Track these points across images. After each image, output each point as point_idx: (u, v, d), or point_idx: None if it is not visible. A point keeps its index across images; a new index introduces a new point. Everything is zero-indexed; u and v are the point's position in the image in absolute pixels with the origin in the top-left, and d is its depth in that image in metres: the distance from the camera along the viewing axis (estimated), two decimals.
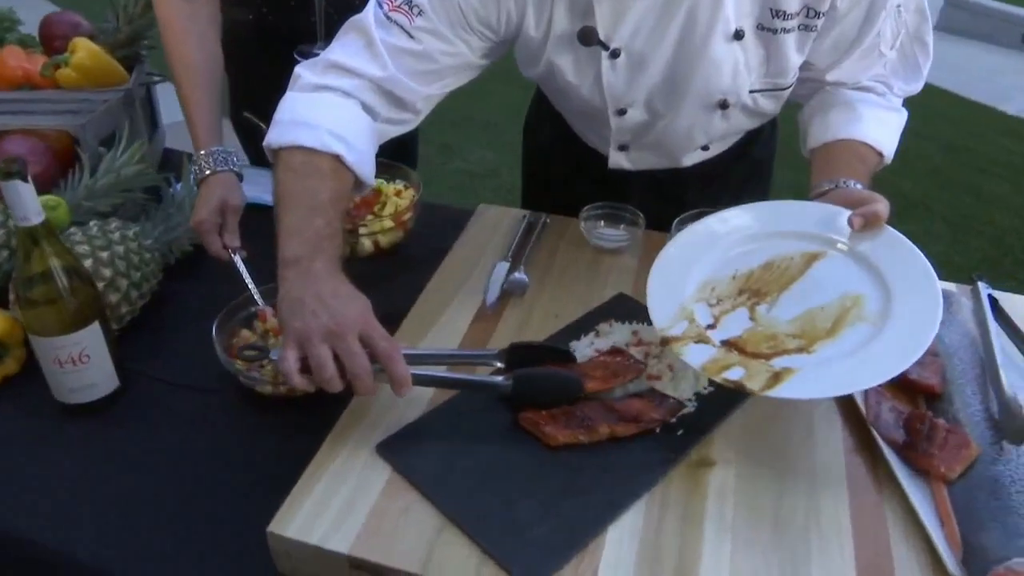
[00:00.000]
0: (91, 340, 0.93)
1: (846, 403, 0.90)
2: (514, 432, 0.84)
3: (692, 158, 1.21)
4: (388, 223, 1.21)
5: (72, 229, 1.06)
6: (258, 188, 1.22)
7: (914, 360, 0.79)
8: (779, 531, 0.76)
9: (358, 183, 0.97)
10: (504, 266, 1.10)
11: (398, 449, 0.82)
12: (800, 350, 0.83)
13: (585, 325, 0.99)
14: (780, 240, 0.94)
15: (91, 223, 1.07)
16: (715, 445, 0.84)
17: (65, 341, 0.91)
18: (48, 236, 0.88)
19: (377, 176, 1.29)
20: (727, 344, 0.85)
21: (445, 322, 1.01)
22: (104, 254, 1.04)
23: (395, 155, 1.33)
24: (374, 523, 0.75)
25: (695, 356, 0.84)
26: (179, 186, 1.24)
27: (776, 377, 0.80)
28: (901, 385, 0.91)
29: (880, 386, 0.90)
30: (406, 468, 0.80)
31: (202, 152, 1.11)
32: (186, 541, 0.82)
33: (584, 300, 1.05)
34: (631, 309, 1.01)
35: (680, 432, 0.85)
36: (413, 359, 0.84)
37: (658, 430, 0.84)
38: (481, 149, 3.43)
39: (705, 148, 1.19)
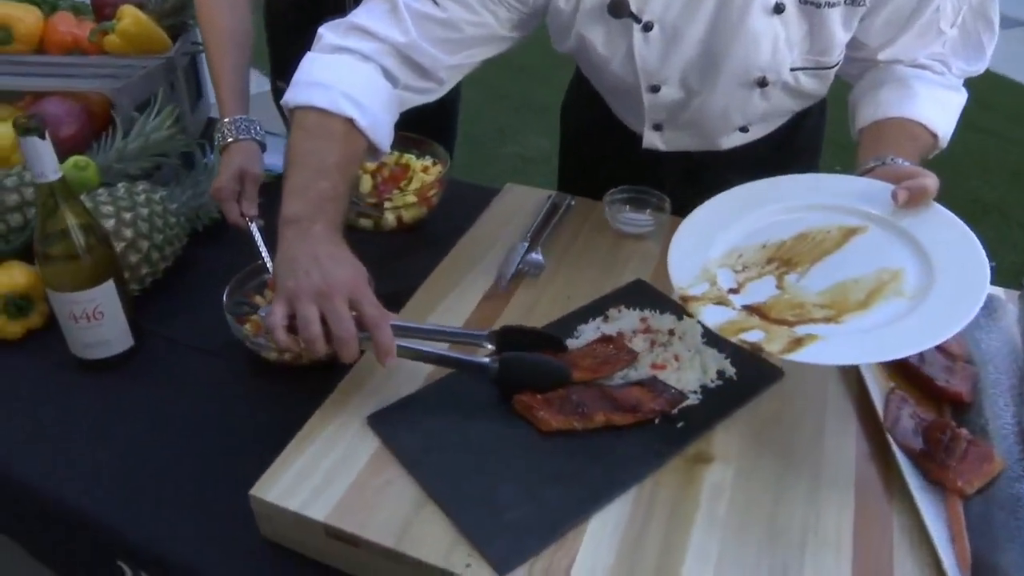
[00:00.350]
0: (105, 298, 0.94)
1: (863, 406, 0.85)
2: (507, 415, 0.82)
3: (730, 141, 1.15)
4: (411, 198, 1.20)
5: (100, 190, 1.08)
6: (273, 158, 1.23)
7: (952, 334, 0.72)
8: (773, 535, 0.72)
9: (372, 149, 0.96)
10: (522, 246, 1.08)
11: (388, 422, 0.81)
12: (828, 320, 0.78)
13: (596, 309, 0.96)
14: (818, 212, 0.89)
15: (119, 185, 1.10)
16: (716, 441, 0.81)
17: (80, 297, 0.93)
18: (66, 193, 0.90)
19: (407, 151, 1.29)
20: (749, 309, 0.80)
21: (454, 298, 1.00)
22: (127, 215, 1.05)
23: (433, 132, 1.31)
24: (355, 494, 0.74)
25: (712, 316, 0.79)
26: (212, 154, 1.26)
27: (798, 342, 0.75)
28: (927, 391, 0.86)
29: (903, 390, 0.85)
30: (393, 441, 0.79)
31: (226, 120, 1.12)
32: (182, 497, 0.83)
33: (600, 285, 1.02)
34: (646, 296, 0.98)
35: (680, 424, 0.81)
36: (403, 331, 0.82)
37: (657, 421, 0.81)
38: (537, 135, 3.40)
39: (744, 130, 1.13)
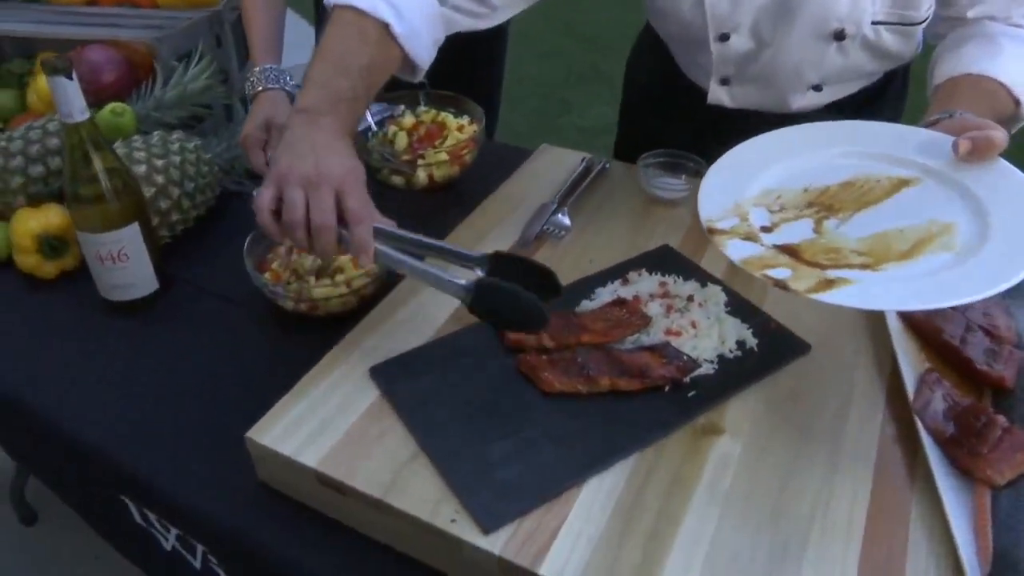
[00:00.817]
0: (130, 240, 0.96)
1: (894, 387, 0.79)
2: (511, 375, 0.79)
3: (801, 100, 1.08)
4: (443, 156, 1.18)
5: (135, 137, 1.10)
6: None
7: (999, 290, 0.66)
8: (777, 514, 0.68)
9: (409, 64, 0.92)
10: (549, 206, 1.05)
11: (389, 373, 0.80)
12: (864, 267, 0.72)
13: (616, 272, 0.92)
14: (869, 160, 0.83)
15: (154, 133, 1.11)
16: (728, 413, 0.77)
17: (105, 238, 0.94)
18: (94, 136, 0.91)
19: (445, 110, 1.27)
20: (779, 248, 0.75)
21: None
22: (159, 162, 1.07)
23: (476, 93, 1.29)
24: (348, 443, 0.74)
25: (737, 250, 0.74)
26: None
27: (828, 284, 0.70)
28: (967, 374, 0.80)
29: (941, 372, 0.79)
30: (392, 392, 0.78)
31: (256, 68, 1.12)
32: (190, 439, 0.84)
33: (625, 250, 0.98)
34: (670, 262, 0.94)
35: (691, 394, 0.77)
36: (388, 237, 0.80)
37: (667, 389, 0.77)
38: (600, 105, 3.33)
39: (817, 89, 1.06)
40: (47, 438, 0.91)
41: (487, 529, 0.65)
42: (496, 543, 0.65)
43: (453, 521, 0.66)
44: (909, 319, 0.86)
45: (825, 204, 0.80)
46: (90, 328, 1.00)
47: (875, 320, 0.88)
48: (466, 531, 0.66)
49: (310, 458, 0.72)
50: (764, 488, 0.70)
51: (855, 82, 1.08)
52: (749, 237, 0.76)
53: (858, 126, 0.87)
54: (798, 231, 0.77)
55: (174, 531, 0.84)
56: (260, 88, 1.11)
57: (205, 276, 1.07)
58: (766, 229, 0.77)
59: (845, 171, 0.82)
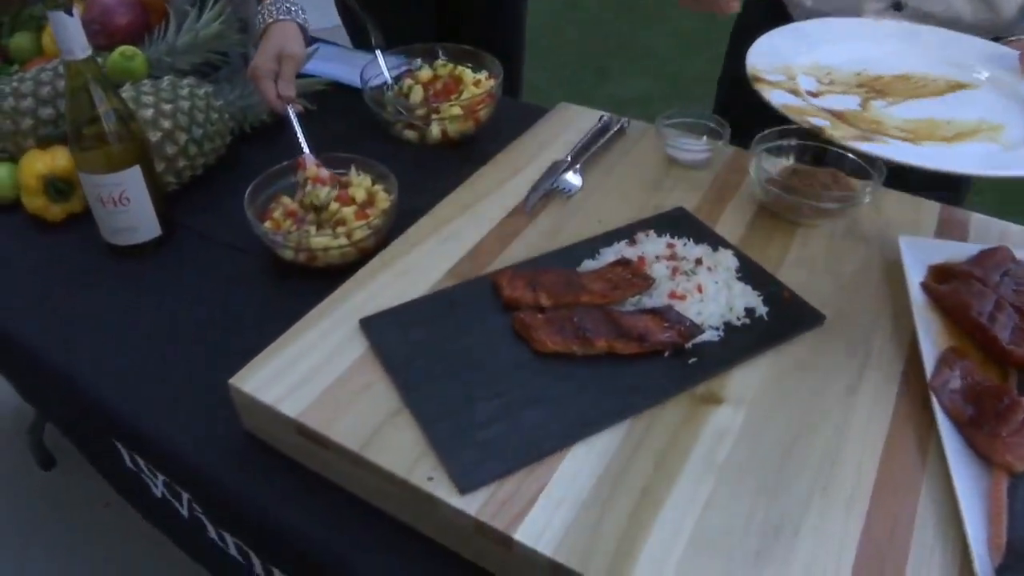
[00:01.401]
0: (131, 183, 0.94)
1: (912, 363, 0.74)
2: (505, 333, 0.76)
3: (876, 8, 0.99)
4: (457, 111, 1.14)
5: (144, 81, 1.08)
6: (328, 65, 1.20)
7: None
8: (776, 486, 0.64)
9: None
10: (560, 164, 1.01)
11: (380, 326, 0.77)
12: (904, 140, 0.70)
13: (624, 233, 0.88)
14: (929, 60, 0.81)
15: (164, 78, 1.09)
16: (731, 383, 0.72)
17: (105, 180, 0.93)
18: (95, 74, 0.90)
19: (462, 65, 1.23)
20: (823, 109, 0.73)
21: (476, 211, 0.94)
22: (167, 107, 1.05)
23: (500, 52, 1.25)
24: (331, 394, 0.71)
25: (779, 98, 0.73)
26: None
27: (865, 138, 0.68)
28: (992, 353, 0.74)
29: (965, 351, 0.74)
30: (380, 345, 0.75)
31: (267, 0, 1.09)
32: (182, 386, 0.83)
33: (637, 211, 0.94)
34: (682, 225, 0.89)
35: (692, 361, 0.73)
36: None
37: (667, 354, 0.74)
38: (637, 76, 3.24)
39: (898, 7, 0.99)
40: (49, 379, 0.90)
41: (464, 489, 0.62)
42: (472, 504, 0.62)
43: (430, 479, 0.64)
44: (935, 293, 0.80)
45: (876, 88, 0.77)
46: (93, 272, 0.99)
47: (897, 293, 0.82)
48: (442, 490, 0.63)
49: (291, 408, 0.70)
50: (763, 460, 0.66)
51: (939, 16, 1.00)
52: (794, 92, 0.73)
53: (924, 28, 0.84)
54: (844, 102, 0.75)
55: (161, 477, 0.84)
56: (270, 20, 1.08)
57: (210, 224, 1.05)
58: (812, 94, 0.75)
59: (903, 65, 0.79)
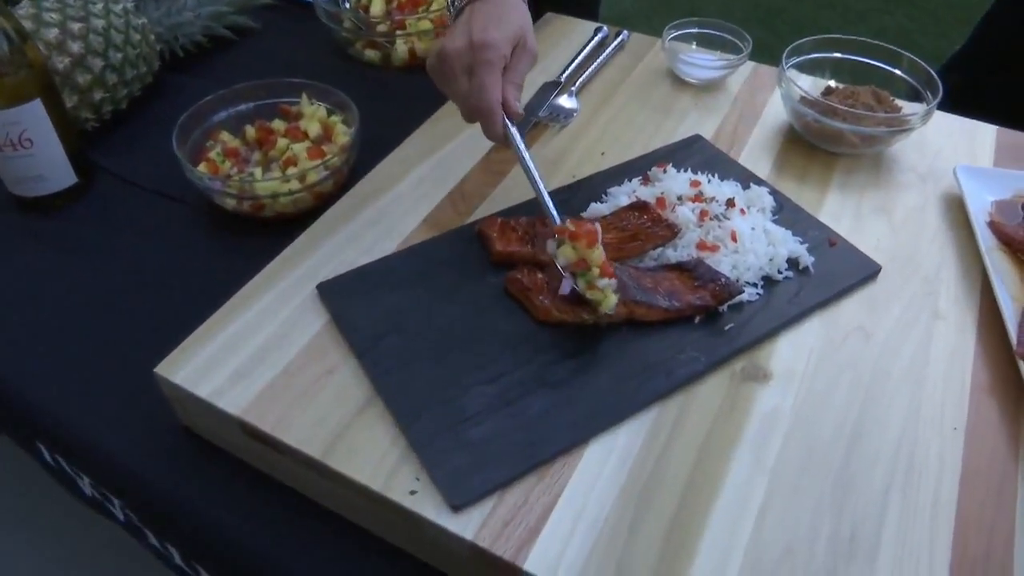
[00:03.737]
0: (31, 120, 0.77)
1: (989, 321, 0.62)
2: (497, 298, 0.62)
3: None
4: (426, 24, 0.97)
5: None
6: None
7: None
8: (842, 490, 0.51)
9: None
10: (552, 87, 0.85)
11: (342, 293, 0.63)
12: None
13: (635, 168, 0.73)
14: None
15: None
16: (777, 354, 0.59)
17: (1, 118, 0.75)
18: None
19: None
20: None
21: (457, 145, 0.79)
22: (76, 26, 0.87)
23: None
24: (284, 384, 0.57)
25: None
26: None
27: None
28: None
29: None
30: (343, 318, 0.60)
31: None
32: (110, 371, 0.67)
33: (645, 140, 0.79)
34: (702, 157, 0.75)
35: (729, 327, 0.60)
36: None
37: (698, 320, 0.60)
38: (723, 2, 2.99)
39: None
40: None
41: (457, 504, 0.49)
42: (468, 525, 0.49)
43: (413, 493, 0.50)
44: (1006, 235, 0.67)
45: None
46: None
47: (959, 233, 0.69)
48: (429, 507, 0.50)
49: (233, 403, 0.56)
50: (824, 454, 0.53)
51: None
52: None
53: None
54: None
55: (88, 479, 0.69)
56: None
57: (138, 169, 0.88)
58: None
59: None
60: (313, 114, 0.83)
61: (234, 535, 0.58)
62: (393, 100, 0.92)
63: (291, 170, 0.77)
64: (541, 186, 0.62)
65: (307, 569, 0.54)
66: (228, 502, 0.59)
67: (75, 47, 0.86)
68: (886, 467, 0.52)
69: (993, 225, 0.69)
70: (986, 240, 0.68)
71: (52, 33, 0.85)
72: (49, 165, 0.81)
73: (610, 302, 0.56)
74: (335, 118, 0.84)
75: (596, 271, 0.56)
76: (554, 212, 0.61)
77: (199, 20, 1.03)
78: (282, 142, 0.80)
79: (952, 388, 0.58)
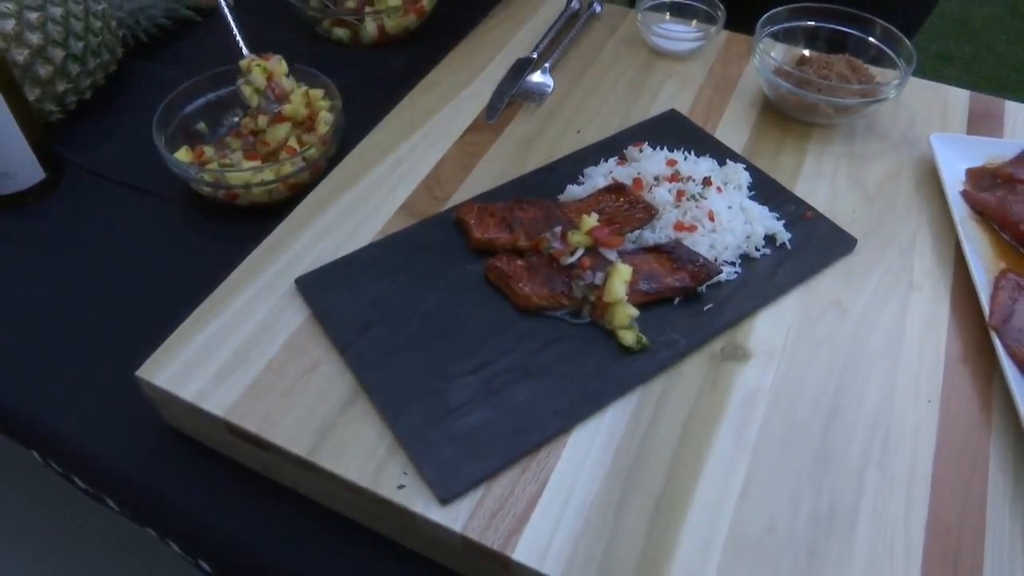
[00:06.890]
0: None
1: (962, 293, 0.63)
2: (478, 286, 0.62)
3: None
4: (395, 1, 0.95)
5: None
6: None
7: None
8: (821, 466, 0.52)
9: None
10: (525, 63, 0.84)
11: (322, 285, 0.62)
12: None
13: (611, 147, 0.73)
14: None
15: None
16: (756, 332, 0.60)
17: None
18: None
19: None
20: None
21: (432, 127, 0.78)
22: (33, 15, 0.84)
23: None
24: (268, 382, 0.57)
25: None
26: None
27: None
28: None
29: (1013, 271, 0.62)
30: (325, 313, 0.60)
31: None
32: (91, 372, 0.67)
33: (622, 116, 0.79)
34: (678, 133, 0.74)
35: (709, 307, 0.61)
36: None
37: (676, 302, 0.61)
38: None
39: None
40: None
41: (444, 497, 0.50)
42: (457, 517, 0.49)
43: (401, 487, 0.51)
44: (978, 203, 0.68)
45: None
46: None
47: (932, 201, 0.70)
48: (418, 501, 0.50)
49: (217, 404, 0.56)
50: (803, 430, 0.54)
51: None
52: None
53: None
54: None
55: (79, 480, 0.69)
56: None
57: (108, 161, 0.86)
58: None
59: None
60: (298, 92, 0.81)
61: (229, 532, 0.58)
62: (364, 81, 0.91)
63: (259, 164, 0.76)
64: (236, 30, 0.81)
65: (308, 568, 0.55)
66: (222, 500, 0.59)
67: (34, 38, 0.83)
68: (863, 442, 0.54)
69: (966, 195, 0.70)
70: (960, 210, 0.68)
71: (9, 25, 0.82)
72: (14, 162, 0.79)
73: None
74: (316, 92, 0.81)
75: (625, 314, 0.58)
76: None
77: (161, 2, 1.00)
78: (261, 120, 0.79)
79: (927, 360, 0.59)
